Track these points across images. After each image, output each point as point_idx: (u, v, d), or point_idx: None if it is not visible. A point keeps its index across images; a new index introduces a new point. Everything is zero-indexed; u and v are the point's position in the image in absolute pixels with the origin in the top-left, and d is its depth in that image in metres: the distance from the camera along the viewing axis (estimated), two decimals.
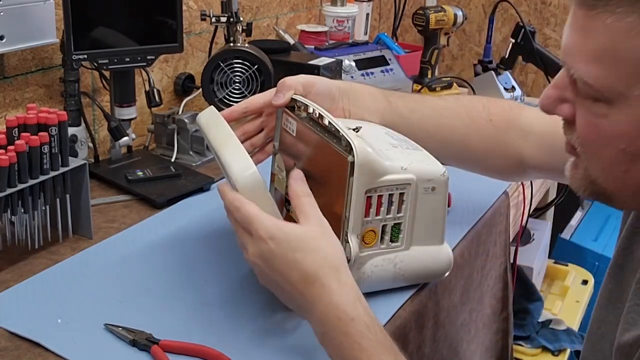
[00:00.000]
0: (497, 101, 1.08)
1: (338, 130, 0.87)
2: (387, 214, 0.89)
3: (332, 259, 0.78)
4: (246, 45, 1.36)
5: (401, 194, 0.89)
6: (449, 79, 1.92)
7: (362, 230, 0.88)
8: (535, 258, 1.96)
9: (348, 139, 0.85)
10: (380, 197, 0.88)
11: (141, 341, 0.81)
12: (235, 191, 0.82)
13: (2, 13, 1.13)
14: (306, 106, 0.96)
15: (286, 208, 0.97)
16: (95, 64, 1.20)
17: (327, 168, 0.91)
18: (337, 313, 0.74)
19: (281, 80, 0.99)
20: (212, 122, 0.93)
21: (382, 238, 0.91)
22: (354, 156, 0.84)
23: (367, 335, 0.72)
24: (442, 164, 0.94)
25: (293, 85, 0.98)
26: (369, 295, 0.86)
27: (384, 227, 0.90)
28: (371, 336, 0.72)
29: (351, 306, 0.74)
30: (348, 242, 0.86)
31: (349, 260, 0.84)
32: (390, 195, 0.89)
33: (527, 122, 1.03)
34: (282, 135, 1.03)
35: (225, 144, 0.87)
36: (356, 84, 1.06)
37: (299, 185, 0.83)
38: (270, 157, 1.06)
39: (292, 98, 0.99)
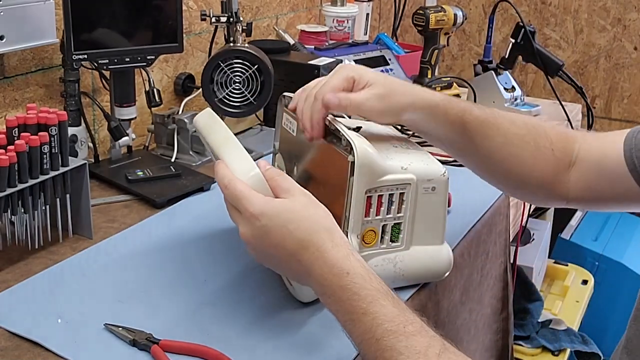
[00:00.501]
0: (554, 127, 1.03)
1: (338, 130, 0.87)
2: (387, 214, 0.90)
3: (323, 223, 0.79)
4: (246, 45, 1.36)
5: (401, 194, 0.89)
6: (449, 79, 1.92)
7: (362, 230, 0.88)
8: (535, 258, 1.96)
9: (348, 138, 0.85)
10: (380, 197, 0.88)
11: (141, 341, 0.81)
12: (227, 168, 0.82)
13: (2, 13, 1.13)
14: None
15: None
16: (95, 64, 1.20)
17: (328, 168, 0.91)
18: (332, 270, 0.75)
19: (347, 95, 0.91)
20: (211, 123, 0.93)
21: (382, 238, 0.91)
22: (354, 156, 0.84)
23: (364, 285, 0.74)
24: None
25: (350, 107, 0.92)
26: None
27: (384, 227, 0.90)
28: (368, 285, 0.74)
29: (345, 261, 0.75)
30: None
31: None
32: (391, 195, 0.89)
33: (577, 147, 1.00)
34: (282, 135, 1.03)
35: (226, 145, 0.87)
36: (438, 101, 0.95)
37: (268, 169, 0.84)
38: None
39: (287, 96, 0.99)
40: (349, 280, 0.74)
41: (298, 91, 0.96)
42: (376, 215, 0.89)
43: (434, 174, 0.91)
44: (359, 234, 0.88)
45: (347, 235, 0.86)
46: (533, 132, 1.00)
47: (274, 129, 1.08)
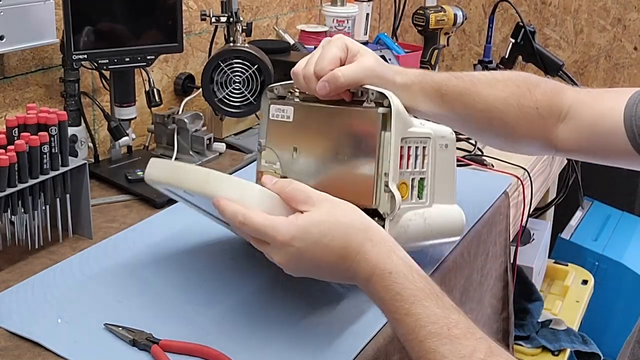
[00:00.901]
0: (540, 84, 1.02)
1: (366, 90, 0.91)
2: (414, 168, 0.93)
3: (356, 224, 0.77)
4: (246, 45, 1.36)
5: (424, 148, 0.93)
6: None
7: (398, 181, 0.90)
8: (535, 258, 1.96)
9: (380, 90, 0.90)
10: (409, 148, 0.91)
11: (141, 341, 0.81)
12: (232, 203, 0.78)
13: (2, 13, 1.13)
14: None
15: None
16: (95, 64, 1.20)
17: (348, 132, 0.93)
18: (375, 271, 0.74)
19: (334, 74, 0.92)
20: (174, 170, 0.89)
21: (410, 193, 0.93)
22: (390, 105, 0.88)
23: (406, 285, 0.72)
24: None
25: (345, 85, 0.92)
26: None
27: (412, 181, 0.93)
28: (410, 285, 0.72)
29: (387, 260, 0.74)
30: (391, 191, 0.87)
31: (392, 211, 0.87)
32: (416, 149, 0.92)
33: (567, 104, 0.99)
34: (271, 129, 1.02)
35: (211, 181, 0.82)
36: (413, 79, 0.98)
37: (275, 182, 0.81)
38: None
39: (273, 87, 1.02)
40: (392, 281, 0.73)
41: (294, 75, 0.96)
42: (407, 168, 0.91)
43: (444, 131, 0.97)
44: (397, 185, 0.90)
45: (388, 186, 0.88)
46: (516, 93, 1.00)
47: None
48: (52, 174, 1.00)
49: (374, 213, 0.89)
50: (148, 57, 1.25)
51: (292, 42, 1.77)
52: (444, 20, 1.83)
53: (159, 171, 0.91)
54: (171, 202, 1.20)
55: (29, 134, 0.96)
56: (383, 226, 0.89)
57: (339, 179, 0.91)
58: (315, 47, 1.74)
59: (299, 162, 0.99)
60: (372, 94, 0.90)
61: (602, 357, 1.91)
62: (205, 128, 1.43)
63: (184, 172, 0.87)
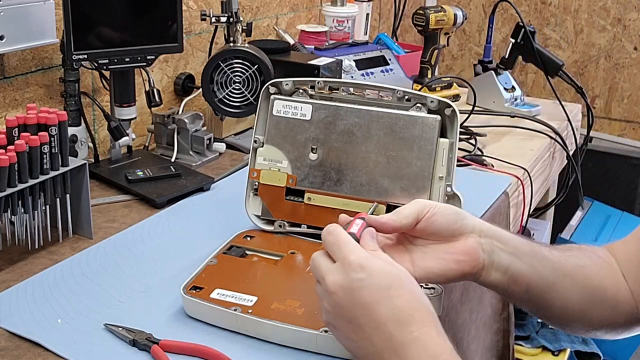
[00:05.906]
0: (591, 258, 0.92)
1: (423, 96, 0.97)
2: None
3: (428, 304, 0.69)
4: (246, 45, 1.36)
5: None
6: (449, 79, 1.92)
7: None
8: None
9: (441, 99, 0.96)
10: None
11: (141, 341, 0.81)
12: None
13: (2, 13, 1.13)
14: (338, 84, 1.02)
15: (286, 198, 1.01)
16: (95, 64, 1.20)
17: (396, 136, 0.97)
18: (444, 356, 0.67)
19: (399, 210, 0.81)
20: None
21: None
22: (453, 110, 0.95)
23: None
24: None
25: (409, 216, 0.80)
26: None
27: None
28: None
29: (450, 358, 0.67)
30: (456, 194, 0.97)
31: None
32: None
33: (615, 258, 0.91)
34: (274, 125, 1.02)
35: None
36: (500, 231, 0.89)
37: (371, 242, 0.75)
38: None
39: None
40: None
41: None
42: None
43: None
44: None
45: (451, 189, 0.96)
46: (592, 258, 0.91)
47: None
48: (52, 174, 1.00)
49: None
50: (148, 57, 1.25)
51: (292, 42, 1.77)
52: (444, 20, 1.83)
53: None
54: (171, 202, 1.20)
55: (29, 134, 0.96)
56: None
57: (379, 179, 0.97)
58: (315, 47, 1.76)
59: (317, 161, 0.99)
60: (432, 102, 0.96)
61: (602, 357, 1.91)
62: (205, 128, 1.43)
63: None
